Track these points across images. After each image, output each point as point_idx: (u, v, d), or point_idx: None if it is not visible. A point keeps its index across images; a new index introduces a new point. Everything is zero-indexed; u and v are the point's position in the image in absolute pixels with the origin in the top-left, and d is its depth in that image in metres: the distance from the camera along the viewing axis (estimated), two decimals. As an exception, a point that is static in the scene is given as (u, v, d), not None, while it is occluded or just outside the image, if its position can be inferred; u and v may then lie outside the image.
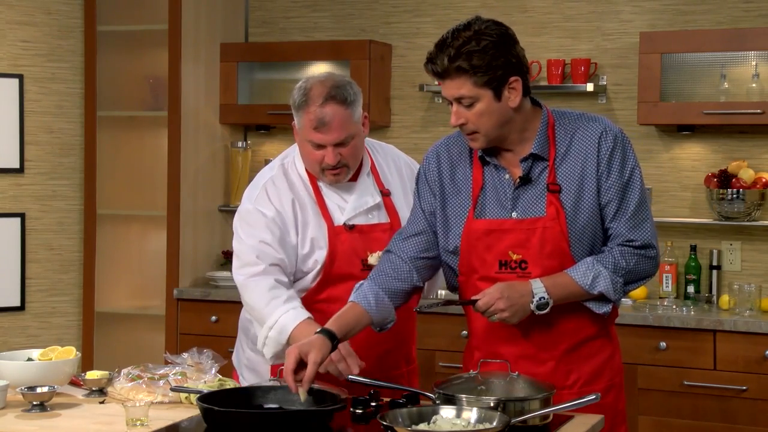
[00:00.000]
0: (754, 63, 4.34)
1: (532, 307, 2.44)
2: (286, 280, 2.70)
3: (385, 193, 2.83)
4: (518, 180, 2.52)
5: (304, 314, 2.61)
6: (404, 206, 2.83)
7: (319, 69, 5.03)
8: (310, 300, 2.74)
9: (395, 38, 4.97)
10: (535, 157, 2.51)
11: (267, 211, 2.72)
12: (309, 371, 2.32)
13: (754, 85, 4.33)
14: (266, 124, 5.12)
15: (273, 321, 2.61)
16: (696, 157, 4.55)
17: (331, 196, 2.77)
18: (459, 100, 2.46)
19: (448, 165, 2.63)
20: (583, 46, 4.69)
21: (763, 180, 4.35)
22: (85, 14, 4.91)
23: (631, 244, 2.51)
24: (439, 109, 4.92)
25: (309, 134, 2.68)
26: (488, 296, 2.42)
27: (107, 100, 4.95)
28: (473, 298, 2.46)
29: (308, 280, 2.75)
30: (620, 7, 4.64)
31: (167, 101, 4.83)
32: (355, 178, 2.79)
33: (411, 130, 4.96)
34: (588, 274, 2.46)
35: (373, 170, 2.84)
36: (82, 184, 4.95)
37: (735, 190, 4.32)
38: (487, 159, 2.55)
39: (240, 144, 5.09)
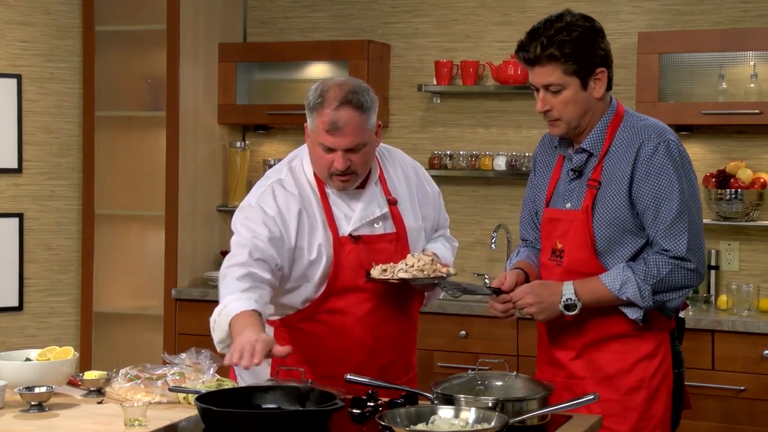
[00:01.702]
0: (752, 63, 4.34)
1: (560, 307, 2.52)
2: (267, 277, 2.58)
3: (392, 202, 2.77)
4: (571, 171, 2.62)
5: (252, 305, 2.48)
6: (410, 214, 2.80)
7: (318, 69, 5.04)
8: (313, 311, 2.70)
9: (394, 38, 4.97)
10: (587, 152, 2.60)
11: (268, 209, 2.66)
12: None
13: (752, 85, 4.33)
14: (265, 124, 5.12)
15: (222, 305, 2.52)
16: (694, 157, 4.50)
17: (338, 204, 2.72)
18: (547, 87, 2.56)
19: (545, 153, 2.76)
20: (582, 46, 4.68)
21: (762, 180, 4.35)
22: (83, 14, 4.91)
23: (666, 253, 2.53)
24: (437, 109, 4.92)
25: (321, 137, 2.61)
26: (518, 290, 2.55)
27: (106, 100, 4.95)
28: (505, 288, 2.58)
29: (311, 290, 2.69)
30: (619, 7, 4.64)
31: (166, 101, 4.83)
32: (363, 186, 2.73)
33: (409, 130, 4.96)
34: (617, 279, 2.52)
35: (381, 178, 2.79)
36: (80, 184, 4.95)
37: (733, 190, 4.32)
38: (560, 149, 2.67)
39: (238, 144, 5.09)
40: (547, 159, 2.74)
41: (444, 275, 2.66)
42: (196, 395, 2.32)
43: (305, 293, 2.70)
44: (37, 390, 2.46)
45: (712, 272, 4.46)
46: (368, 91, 2.66)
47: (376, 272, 2.65)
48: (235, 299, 2.51)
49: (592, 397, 2.28)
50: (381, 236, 2.73)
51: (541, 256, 2.70)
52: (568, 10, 2.60)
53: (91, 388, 2.60)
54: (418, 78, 4.90)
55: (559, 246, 2.61)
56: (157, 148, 4.89)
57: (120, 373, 2.61)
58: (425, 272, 2.63)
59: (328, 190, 2.72)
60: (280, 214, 2.66)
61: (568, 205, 2.61)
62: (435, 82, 4.80)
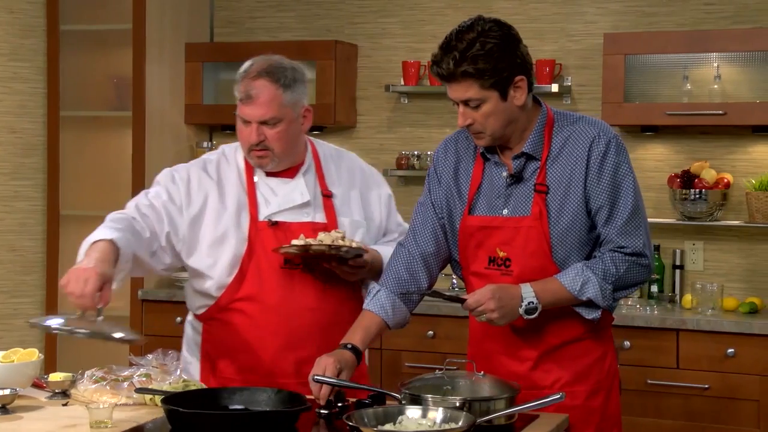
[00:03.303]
0: (715, 65, 4.38)
1: (521, 311, 2.44)
2: (145, 234, 2.64)
3: (327, 195, 2.76)
4: (509, 177, 2.54)
5: (113, 234, 2.53)
6: (346, 210, 2.77)
7: (285, 69, 5.03)
8: (229, 299, 2.68)
9: (361, 39, 4.98)
10: (527, 156, 2.53)
11: (177, 176, 2.73)
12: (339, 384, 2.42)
13: (716, 86, 4.37)
14: (232, 124, 4.99)
15: (91, 238, 2.55)
16: (659, 158, 4.59)
17: (263, 189, 2.72)
18: (466, 102, 2.47)
19: (453, 159, 2.65)
20: (548, 47, 4.71)
21: (725, 180, 4.39)
22: (47, 13, 4.86)
23: (622, 250, 2.50)
24: (405, 110, 4.92)
25: (239, 108, 2.66)
26: (479, 295, 2.43)
27: (71, 100, 4.91)
28: (463, 296, 2.48)
29: (224, 275, 2.68)
30: (584, 8, 4.68)
31: (131, 101, 4.80)
32: (293, 174, 2.74)
33: (377, 130, 4.96)
34: (577, 280, 2.47)
35: (318, 171, 2.78)
36: (44, 184, 4.90)
37: (697, 190, 4.36)
38: (488, 156, 2.58)
39: (205, 144, 5.06)
40: (455, 165, 2.64)
41: (340, 245, 2.60)
42: (163, 396, 2.31)
43: (219, 281, 2.68)
44: (0, 392, 2.44)
45: (677, 272, 4.50)
46: (293, 70, 2.68)
47: (283, 248, 2.62)
48: (100, 232, 2.56)
49: (558, 396, 2.29)
50: (305, 224, 2.70)
51: (471, 265, 2.59)
52: (480, 17, 2.47)
53: (56, 390, 2.58)
54: (386, 78, 4.90)
55: (502, 254, 2.53)
56: (123, 149, 4.86)
57: (85, 375, 2.59)
58: (322, 242, 2.59)
59: (257, 177, 2.73)
60: (187, 185, 2.71)
61: (506, 212, 2.53)
62: (402, 83, 4.80)
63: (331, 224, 2.73)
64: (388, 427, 2.17)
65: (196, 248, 2.70)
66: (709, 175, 4.38)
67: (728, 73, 4.39)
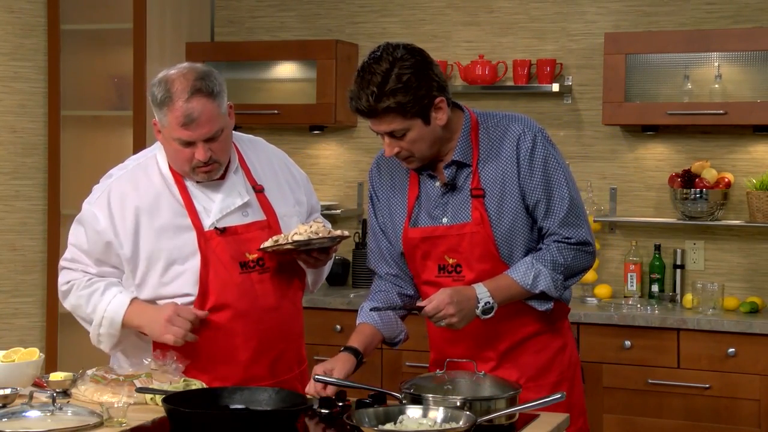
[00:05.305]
0: (716, 64, 4.38)
1: (478, 312, 2.46)
2: (113, 275, 2.67)
3: (258, 189, 2.69)
4: (443, 187, 2.56)
5: (127, 297, 2.58)
6: (280, 200, 2.72)
7: (286, 69, 5.03)
8: None
9: (362, 38, 4.97)
10: (458, 164, 2.54)
11: (101, 215, 2.63)
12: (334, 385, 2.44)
13: (716, 86, 4.37)
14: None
15: (100, 318, 2.59)
16: (660, 157, 4.59)
17: (198, 197, 2.62)
18: (391, 133, 2.46)
19: (388, 176, 2.67)
20: (549, 47, 4.71)
21: (726, 180, 4.39)
22: (48, 13, 4.86)
23: (568, 241, 2.54)
24: (405, 109, 4.92)
25: (176, 132, 2.51)
26: (436, 301, 2.44)
27: (71, 100, 4.91)
28: (420, 304, 2.49)
29: (188, 292, 2.59)
30: (585, 8, 4.67)
31: (132, 101, 4.80)
32: (223, 176, 2.64)
33: (377, 130, 4.96)
34: (528, 273, 2.50)
35: (243, 166, 2.70)
36: (45, 184, 4.90)
37: (698, 189, 4.36)
38: (419, 168, 2.59)
39: (206, 144, 5.06)
40: (391, 182, 2.65)
41: (336, 235, 2.59)
42: (164, 396, 2.31)
43: (181, 301, 2.59)
44: (1, 392, 2.44)
45: (678, 271, 4.50)
46: (214, 75, 2.57)
47: (267, 243, 2.58)
48: (106, 305, 2.59)
49: (559, 396, 2.30)
50: (250, 225, 2.64)
51: (421, 275, 2.62)
52: (388, 45, 2.45)
53: (57, 390, 2.58)
54: (386, 78, 4.90)
55: (451, 261, 2.55)
56: (124, 148, 4.85)
57: (86, 375, 2.59)
58: (320, 234, 2.57)
59: (188, 183, 2.63)
60: (112, 223, 2.62)
61: (445, 221, 2.55)
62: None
63: (271, 221, 2.67)
64: (388, 426, 2.17)
65: (147, 282, 2.61)
66: (709, 174, 4.38)
67: (729, 73, 4.39)
